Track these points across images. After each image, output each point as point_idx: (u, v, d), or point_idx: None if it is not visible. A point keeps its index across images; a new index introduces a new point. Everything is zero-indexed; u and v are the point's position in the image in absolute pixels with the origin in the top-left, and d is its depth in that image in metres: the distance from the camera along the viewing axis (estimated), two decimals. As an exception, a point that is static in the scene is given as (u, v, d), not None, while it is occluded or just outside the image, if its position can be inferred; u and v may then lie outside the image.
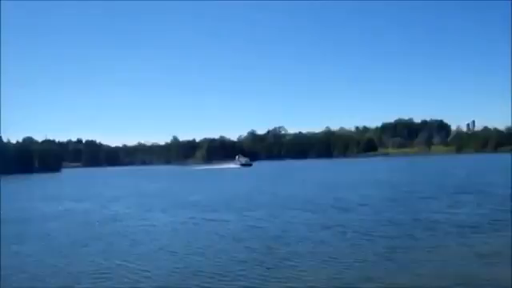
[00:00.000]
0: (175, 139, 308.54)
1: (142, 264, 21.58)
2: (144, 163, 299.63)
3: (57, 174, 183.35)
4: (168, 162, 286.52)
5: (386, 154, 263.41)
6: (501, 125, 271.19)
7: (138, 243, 27.01)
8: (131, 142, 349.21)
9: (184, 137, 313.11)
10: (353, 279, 17.96)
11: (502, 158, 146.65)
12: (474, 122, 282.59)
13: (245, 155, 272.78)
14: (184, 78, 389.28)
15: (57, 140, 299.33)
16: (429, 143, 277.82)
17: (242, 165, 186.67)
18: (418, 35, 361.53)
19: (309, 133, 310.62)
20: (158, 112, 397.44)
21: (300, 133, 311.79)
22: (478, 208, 35.18)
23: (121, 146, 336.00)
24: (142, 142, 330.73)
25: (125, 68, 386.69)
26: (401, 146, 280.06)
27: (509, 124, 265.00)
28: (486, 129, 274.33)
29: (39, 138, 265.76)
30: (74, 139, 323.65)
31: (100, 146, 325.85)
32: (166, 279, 19.01)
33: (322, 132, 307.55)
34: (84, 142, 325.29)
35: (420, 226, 28.06)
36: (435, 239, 24.25)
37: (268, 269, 19.72)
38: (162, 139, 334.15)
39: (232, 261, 21.41)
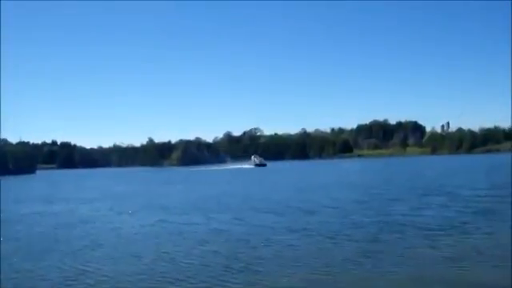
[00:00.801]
0: (151, 141, 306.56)
1: (102, 268, 21.41)
2: (120, 165, 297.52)
3: (31, 175, 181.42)
4: (143, 163, 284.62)
5: (362, 156, 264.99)
6: (475, 126, 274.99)
7: (101, 246, 26.82)
8: (107, 143, 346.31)
9: (160, 138, 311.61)
10: (319, 284, 17.98)
11: (475, 160, 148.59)
12: (448, 123, 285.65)
13: (220, 157, 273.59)
14: (159, 78, 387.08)
15: (31, 142, 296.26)
16: (404, 144, 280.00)
17: (256, 165, 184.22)
18: (392, 36, 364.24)
19: (284, 134, 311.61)
20: (133, 113, 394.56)
21: (276, 134, 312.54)
22: (445, 210, 35.45)
23: (96, 147, 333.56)
24: (118, 143, 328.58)
25: (99, 68, 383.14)
26: (376, 147, 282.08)
27: (483, 126, 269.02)
28: (460, 130, 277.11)
29: (13, 139, 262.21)
30: (49, 141, 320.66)
31: (75, 147, 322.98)
32: (124, 284, 18.85)
33: (297, 133, 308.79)
34: (59, 143, 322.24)
35: (387, 229, 28.14)
36: (402, 242, 24.29)
37: (232, 273, 19.59)
38: (138, 141, 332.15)
39: (196, 265, 21.27)
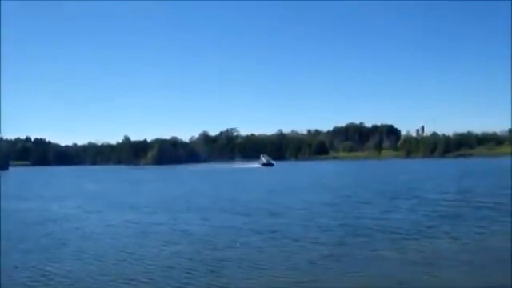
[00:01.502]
0: (126, 139, 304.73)
1: (65, 268, 21.21)
2: (94, 163, 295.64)
3: (4, 172, 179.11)
4: (119, 162, 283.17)
5: (337, 158, 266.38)
6: (449, 131, 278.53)
7: (66, 245, 26.58)
8: (82, 141, 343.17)
9: (136, 137, 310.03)
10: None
11: (447, 164, 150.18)
12: (423, 127, 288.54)
13: (196, 156, 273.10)
14: (135, 76, 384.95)
15: (4, 137, 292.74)
16: (379, 147, 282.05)
17: (263, 164, 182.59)
18: (370, 40, 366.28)
19: (261, 135, 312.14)
20: (109, 111, 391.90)
21: (252, 135, 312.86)
22: (412, 214, 35.70)
23: (71, 144, 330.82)
24: (93, 141, 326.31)
25: (76, 65, 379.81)
26: (351, 149, 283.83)
27: (457, 131, 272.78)
28: (434, 135, 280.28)
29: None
30: (23, 137, 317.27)
31: (49, 144, 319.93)
32: (86, 285, 18.72)
33: (274, 134, 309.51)
34: (33, 140, 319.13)
35: (354, 232, 28.21)
36: (368, 245, 24.33)
37: (196, 276, 19.49)
38: (114, 139, 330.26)
39: (160, 266, 21.16)
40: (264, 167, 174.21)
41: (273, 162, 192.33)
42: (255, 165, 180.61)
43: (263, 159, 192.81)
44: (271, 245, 25.32)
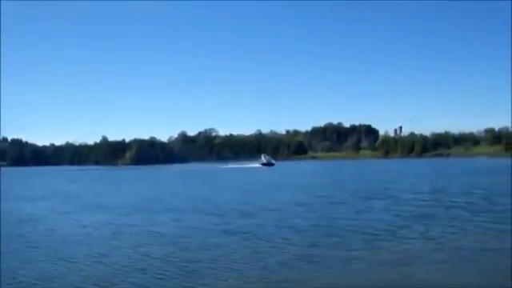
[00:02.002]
0: (104, 139, 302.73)
1: (35, 270, 21.14)
2: (72, 163, 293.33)
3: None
4: (97, 162, 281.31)
5: (315, 158, 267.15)
6: (426, 131, 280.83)
7: (37, 247, 26.45)
8: (59, 141, 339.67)
9: (114, 137, 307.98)
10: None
11: (424, 163, 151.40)
12: (401, 127, 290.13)
13: (174, 157, 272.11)
14: (113, 77, 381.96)
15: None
16: (357, 147, 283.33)
17: (263, 164, 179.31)
18: (346, 39, 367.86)
19: (240, 135, 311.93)
20: (87, 111, 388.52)
21: (231, 135, 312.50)
22: (385, 214, 35.89)
23: (48, 145, 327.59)
24: (70, 141, 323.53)
25: (53, 65, 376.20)
26: (330, 149, 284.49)
27: (434, 131, 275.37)
28: (412, 135, 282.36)
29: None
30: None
31: (26, 144, 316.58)
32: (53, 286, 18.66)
33: (252, 134, 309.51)
34: (9, 140, 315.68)
35: (326, 233, 28.27)
36: (341, 246, 24.41)
37: (167, 277, 19.47)
38: (91, 139, 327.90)
39: (131, 268, 21.11)
40: (264, 167, 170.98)
41: (273, 161, 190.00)
42: (254, 165, 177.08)
43: (263, 159, 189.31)
44: (243, 246, 25.31)
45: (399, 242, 25.14)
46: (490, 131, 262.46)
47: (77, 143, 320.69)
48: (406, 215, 34.86)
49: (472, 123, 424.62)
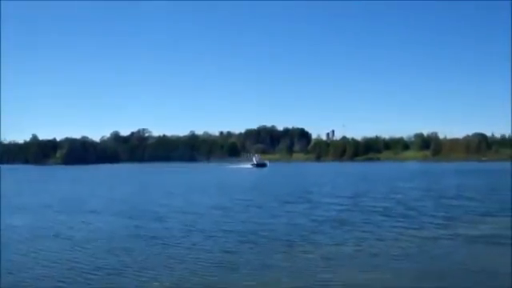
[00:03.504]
0: (34, 137, 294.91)
1: None
2: (1, 162, 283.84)
3: None
4: (26, 161, 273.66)
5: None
6: (358, 135, 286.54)
7: None
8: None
9: (44, 136, 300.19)
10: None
11: (353, 167, 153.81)
12: (333, 131, 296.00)
13: (107, 157, 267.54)
14: (45, 73, 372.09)
15: None
16: (290, 150, 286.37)
17: (254, 165, 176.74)
18: (279, 42, 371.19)
19: (173, 136, 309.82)
20: (17, 109, 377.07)
21: (164, 136, 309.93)
22: (300, 218, 35.27)
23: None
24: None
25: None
26: (263, 152, 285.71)
27: (366, 135, 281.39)
28: (344, 138, 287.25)
29: None
30: None
31: None
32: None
33: (186, 136, 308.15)
34: None
35: (238, 238, 27.28)
36: (252, 251, 23.70)
37: (65, 285, 18.24)
38: (21, 137, 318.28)
39: (28, 274, 19.78)
40: (255, 168, 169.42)
41: (266, 161, 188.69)
42: (245, 165, 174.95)
43: (254, 160, 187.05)
44: (151, 252, 23.89)
45: (310, 247, 24.48)
46: (419, 136, 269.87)
47: (6, 141, 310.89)
48: (321, 220, 34.29)
49: (402, 128, 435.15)
